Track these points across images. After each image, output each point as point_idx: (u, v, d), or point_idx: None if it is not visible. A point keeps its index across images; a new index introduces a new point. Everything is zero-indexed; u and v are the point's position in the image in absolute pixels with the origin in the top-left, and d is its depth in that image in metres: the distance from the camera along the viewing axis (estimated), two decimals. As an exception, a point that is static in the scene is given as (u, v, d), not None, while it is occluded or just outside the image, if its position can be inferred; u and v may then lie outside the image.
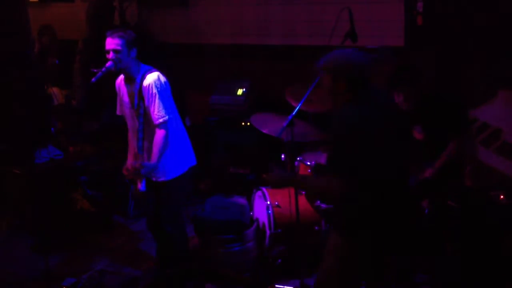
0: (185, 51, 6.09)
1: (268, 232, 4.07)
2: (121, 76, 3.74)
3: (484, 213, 3.57)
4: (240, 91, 5.41)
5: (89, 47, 5.93)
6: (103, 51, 3.57)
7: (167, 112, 3.55)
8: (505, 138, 3.76)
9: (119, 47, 3.50)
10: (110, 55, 3.52)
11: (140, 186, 3.57)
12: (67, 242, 4.72)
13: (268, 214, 4.07)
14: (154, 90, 3.52)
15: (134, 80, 3.61)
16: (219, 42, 5.85)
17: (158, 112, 3.53)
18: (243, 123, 5.28)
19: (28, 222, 4.98)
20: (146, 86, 3.53)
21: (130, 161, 3.80)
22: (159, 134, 3.55)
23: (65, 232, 4.77)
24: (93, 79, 3.51)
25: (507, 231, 3.45)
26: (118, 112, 3.89)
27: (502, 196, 3.56)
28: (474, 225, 3.55)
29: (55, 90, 5.89)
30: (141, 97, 3.56)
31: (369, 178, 2.60)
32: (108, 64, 3.52)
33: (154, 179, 3.74)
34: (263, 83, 5.52)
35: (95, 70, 3.53)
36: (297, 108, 3.43)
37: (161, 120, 3.53)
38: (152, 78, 3.55)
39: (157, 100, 3.52)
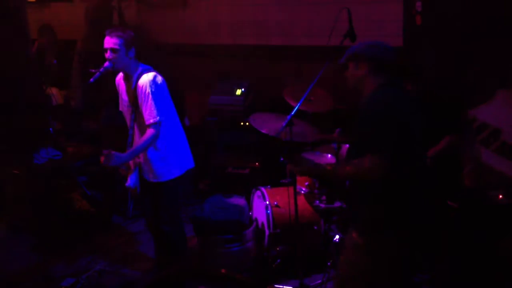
0: (184, 51, 6.09)
1: (267, 232, 4.07)
2: (121, 73, 3.74)
3: (483, 213, 3.57)
4: (239, 91, 5.40)
5: (87, 47, 5.92)
6: (102, 51, 3.57)
7: (159, 114, 3.51)
8: (504, 138, 3.75)
9: (117, 47, 3.50)
10: (108, 55, 3.52)
11: (129, 181, 3.59)
12: (67, 242, 4.72)
13: (267, 214, 4.07)
14: (148, 90, 3.50)
15: (131, 78, 3.62)
16: (218, 42, 5.85)
17: (149, 112, 3.50)
18: (242, 123, 5.27)
19: (27, 222, 4.98)
20: (140, 85, 3.53)
21: None
22: (148, 133, 3.52)
23: (65, 232, 4.77)
24: (91, 79, 3.51)
25: (506, 231, 3.44)
26: (120, 108, 3.91)
27: (501, 196, 3.55)
28: (473, 225, 3.54)
29: (53, 91, 5.88)
30: (135, 96, 3.57)
31: (401, 162, 2.59)
32: (106, 64, 3.52)
33: (150, 180, 3.75)
34: (262, 83, 5.51)
35: (93, 71, 3.53)
36: (296, 108, 3.43)
37: (151, 121, 3.51)
38: (147, 78, 3.53)
39: (149, 101, 3.50)
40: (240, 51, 5.71)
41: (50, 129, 4.81)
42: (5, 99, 4.89)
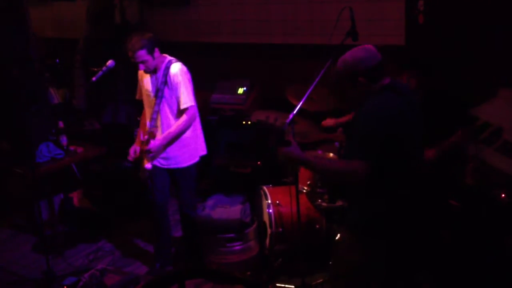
0: (185, 50, 6.06)
1: (269, 231, 4.07)
2: None
3: (485, 211, 3.57)
4: (241, 90, 5.41)
5: (89, 46, 5.92)
6: (103, 50, 3.60)
7: (192, 99, 3.78)
8: (506, 136, 3.75)
9: (144, 58, 3.67)
10: (140, 67, 3.70)
11: (149, 165, 3.82)
12: (68, 241, 4.73)
13: (269, 213, 4.07)
14: (181, 78, 3.76)
15: (159, 69, 3.80)
16: (220, 41, 5.85)
17: (186, 97, 3.75)
18: (244, 122, 5.27)
19: (29, 221, 4.99)
20: (173, 74, 3.75)
21: (136, 146, 3.95)
22: (186, 115, 3.77)
23: (66, 232, 4.77)
24: (93, 78, 3.55)
25: (509, 230, 3.44)
26: (137, 97, 4.08)
27: (503, 195, 3.55)
28: (475, 224, 3.54)
29: (55, 89, 5.88)
30: (166, 84, 3.76)
31: (394, 167, 2.61)
32: (109, 63, 3.58)
33: (170, 166, 3.93)
34: (264, 82, 5.51)
35: (95, 69, 3.56)
36: (298, 107, 3.42)
37: (189, 104, 3.75)
38: (178, 67, 3.80)
39: (185, 87, 3.76)
40: (241, 49, 5.71)
41: (52, 128, 4.81)
42: (6, 98, 4.90)
